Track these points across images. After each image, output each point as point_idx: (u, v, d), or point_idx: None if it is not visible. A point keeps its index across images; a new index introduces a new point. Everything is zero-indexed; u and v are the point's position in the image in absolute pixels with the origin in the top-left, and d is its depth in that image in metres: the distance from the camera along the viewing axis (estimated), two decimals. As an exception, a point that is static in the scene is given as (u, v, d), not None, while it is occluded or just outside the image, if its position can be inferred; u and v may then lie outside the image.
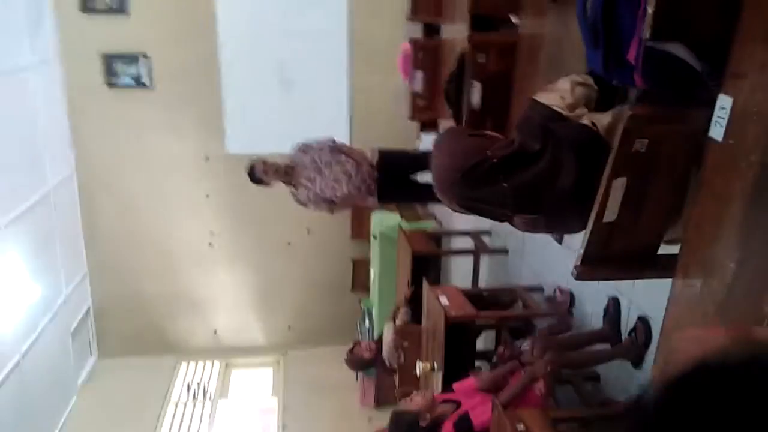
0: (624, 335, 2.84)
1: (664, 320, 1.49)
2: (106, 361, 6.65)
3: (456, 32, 3.08)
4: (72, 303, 6.16)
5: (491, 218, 1.72)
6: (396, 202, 4.96)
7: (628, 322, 2.84)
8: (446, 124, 3.50)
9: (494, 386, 2.80)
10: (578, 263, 1.44)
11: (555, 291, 3.48)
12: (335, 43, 6.30)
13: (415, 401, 2.71)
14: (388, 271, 5.46)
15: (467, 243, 4.47)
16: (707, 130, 1.24)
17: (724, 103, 1.22)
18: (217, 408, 6.37)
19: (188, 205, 6.53)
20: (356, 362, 4.17)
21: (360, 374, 5.49)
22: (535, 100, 1.62)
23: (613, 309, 2.91)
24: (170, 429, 6.02)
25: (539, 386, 2.65)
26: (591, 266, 1.44)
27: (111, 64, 6.13)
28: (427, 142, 6.06)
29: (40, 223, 5.56)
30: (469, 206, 1.63)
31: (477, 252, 4.18)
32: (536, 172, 1.52)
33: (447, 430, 2.63)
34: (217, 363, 6.89)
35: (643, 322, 2.69)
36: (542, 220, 1.65)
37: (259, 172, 4.32)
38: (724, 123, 1.22)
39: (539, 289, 3.72)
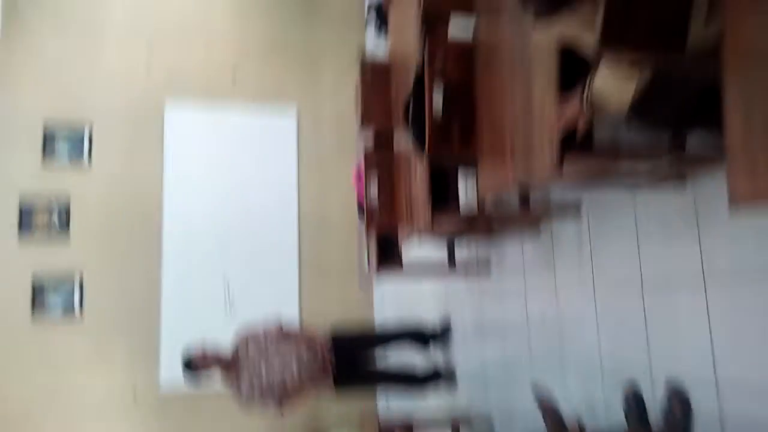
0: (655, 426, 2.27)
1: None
2: None
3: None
4: None
5: None
6: (354, 386, 4.35)
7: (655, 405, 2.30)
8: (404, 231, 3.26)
9: None
10: (599, 32, 1.21)
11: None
12: (285, 260, 6.21)
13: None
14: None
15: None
16: None
17: None
18: None
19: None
20: None
21: None
22: None
23: (633, 401, 2.38)
24: None
25: None
26: (616, 31, 1.19)
27: (41, 290, 5.70)
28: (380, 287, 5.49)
29: None
30: None
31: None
32: None
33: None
34: None
35: (676, 394, 2.18)
36: None
37: (197, 360, 3.84)
38: None
39: None
